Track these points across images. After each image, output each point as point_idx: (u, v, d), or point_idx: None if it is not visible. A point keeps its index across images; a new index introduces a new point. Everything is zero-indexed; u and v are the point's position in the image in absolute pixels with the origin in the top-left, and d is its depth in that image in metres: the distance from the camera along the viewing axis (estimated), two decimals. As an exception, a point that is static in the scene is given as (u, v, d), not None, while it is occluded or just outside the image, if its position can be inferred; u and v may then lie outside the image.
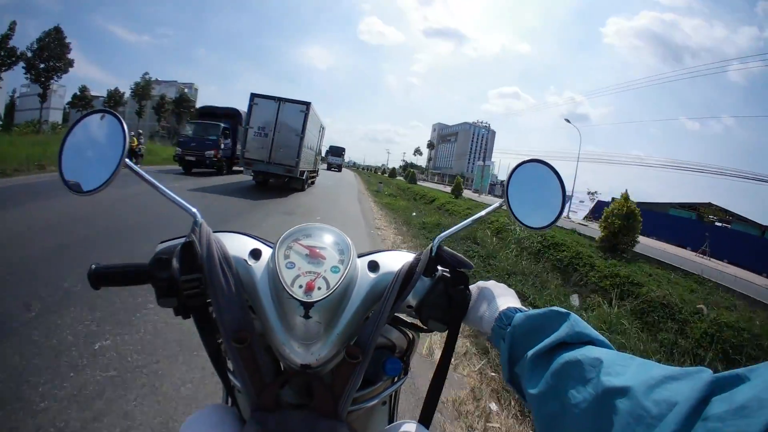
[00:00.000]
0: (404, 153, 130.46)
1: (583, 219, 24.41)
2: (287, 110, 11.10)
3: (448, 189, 32.93)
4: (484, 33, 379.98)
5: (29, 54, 35.98)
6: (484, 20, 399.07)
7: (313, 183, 15.45)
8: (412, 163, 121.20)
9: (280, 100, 11.17)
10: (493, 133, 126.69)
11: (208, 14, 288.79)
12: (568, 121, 31.50)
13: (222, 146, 14.53)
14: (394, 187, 23.90)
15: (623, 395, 0.31)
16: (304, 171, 12.03)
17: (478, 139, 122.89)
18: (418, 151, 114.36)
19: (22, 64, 34.38)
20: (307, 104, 11.29)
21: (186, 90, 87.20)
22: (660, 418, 0.27)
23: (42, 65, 36.06)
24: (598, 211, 25.51)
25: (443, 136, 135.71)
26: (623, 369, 0.34)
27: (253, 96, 11.20)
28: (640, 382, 0.31)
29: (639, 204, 8.79)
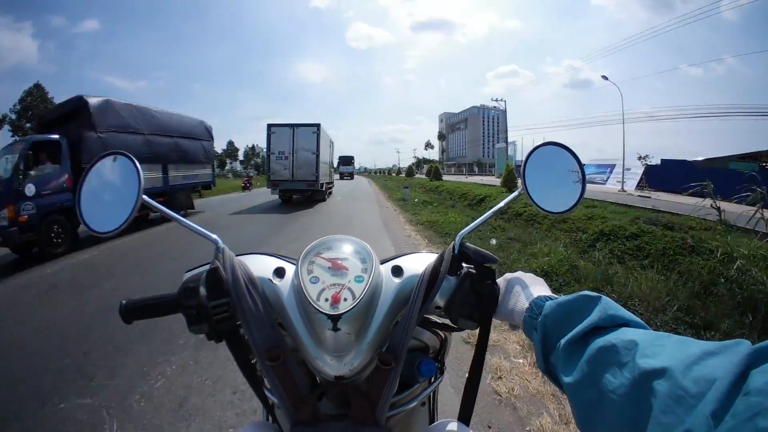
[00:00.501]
0: (414, 150, 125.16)
1: (636, 189, 20.62)
2: (301, 133, 12.81)
3: (475, 179, 29.35)
4: (470, 17, 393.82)
5: (13, 116, 34.55)
6: (469, 3, 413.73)
7: (330, 193, 16.23)
8: (424, 158, 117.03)
9: (293, 126, 12.82)
10: (504, 112, 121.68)
11: (199, 50, 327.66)
12: (605, 77, 27.15)
13: (33, 191, 6.34)
14: (419, 190, 20.38)
15: (661, 376, 0.30)
16: (323, 183, 13.52)
17: (489, 121, 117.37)
18: (429, 145, 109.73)
19: (7, 127, 32.79)
20: (317, 125, 12.97)
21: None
22: (699, 397, 0.27)
23: (28, 124, 34.66)
24: (651, 178, 21.72)
25: (452, 125, 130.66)
26: (659, 349, 0.33)
27: (270, 126, 12.92)
28: (678, 361, 0.30)
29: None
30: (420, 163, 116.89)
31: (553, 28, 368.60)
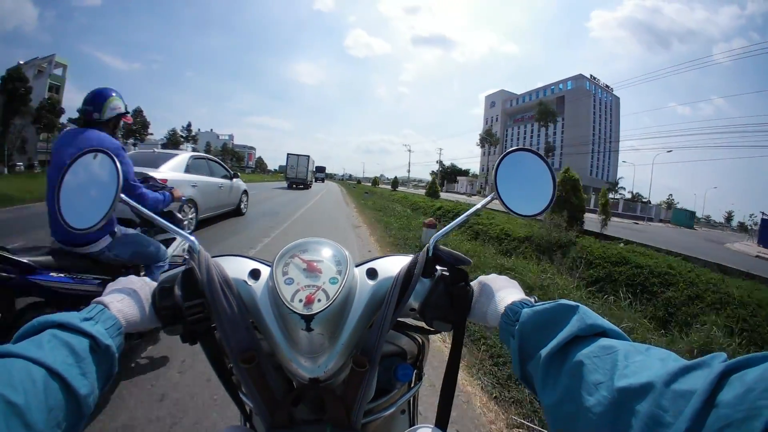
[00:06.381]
0: (440, 150, 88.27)
1: None
2: (301, 159, 37.90)
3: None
4: (470, 37, 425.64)
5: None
6: (471, 24, 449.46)
7: (310, 186, 39.47)
8: (452, 166, 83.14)
9: (298, 156, 37.79)
10: (617, 99, 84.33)
11: (195, 38, 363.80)
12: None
13: None
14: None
15: (640, 395, 0.34)
16: (308, 181, 39.36)
17: (598, 108, 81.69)
18: (490, 137, 73.20)
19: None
20: (308, 156, 39.05)
21: (44, 66, 53.80)
22: (677, 414, 0.30)
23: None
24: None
25: (513, 112, 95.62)
26: (639, 365, 0.37)
27: (289, 154, 38.00)
28: (656, 378, 0.34)
29: None
30: (448, 174, 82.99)
31: (549, 55, 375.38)
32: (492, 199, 0.69)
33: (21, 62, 53.85)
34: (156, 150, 8.52)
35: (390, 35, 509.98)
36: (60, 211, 0.63)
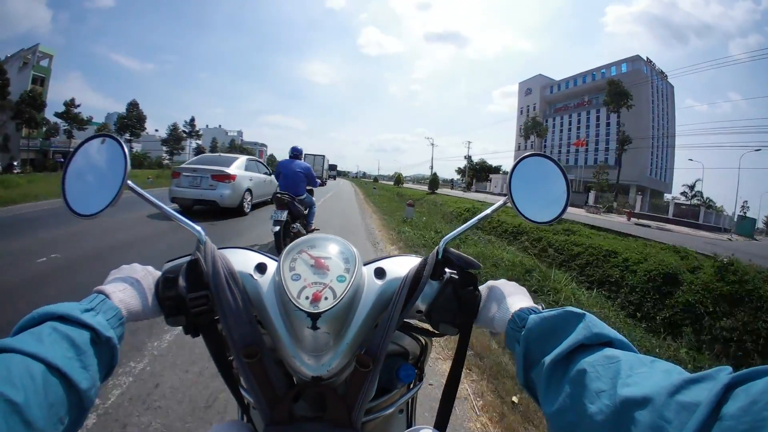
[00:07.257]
0: (469, 143, 76.30)
1: None
2: (317, 159, 42.71)
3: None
4: (484, 33, 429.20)
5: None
6: (484, 21, 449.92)
7: (325, 183, 28.22)
8: (482, 162, 75.14)
9: (314, 155, 42.89)
10: (672, 87, 76.43)
11: (208, 39, 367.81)
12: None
13: None
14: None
15: (642, 406, 0.34)
16: (324, 179, 25.28)
17: (656, 97, 71.38)
18: (535, 127, 60.98)
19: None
20: (324, 155, 45.18)
21: (29, 57, 49.69)
22: (681, 426, 0.30)
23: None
24: None
25: (554, 100, 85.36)
26: (643, 376, 0.38)
27: (306, 154, 31.36)
28: (660, 389, 0.34)
29: None
30: (477, 171, 74.58)
31: (564, 51, 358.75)
32: (504, 203, 0.69)
33: (8, 56, 49.69)
34: (221, 155, 11.88)
35: (402, 32, 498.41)
36: (64, 195, 0.63)
